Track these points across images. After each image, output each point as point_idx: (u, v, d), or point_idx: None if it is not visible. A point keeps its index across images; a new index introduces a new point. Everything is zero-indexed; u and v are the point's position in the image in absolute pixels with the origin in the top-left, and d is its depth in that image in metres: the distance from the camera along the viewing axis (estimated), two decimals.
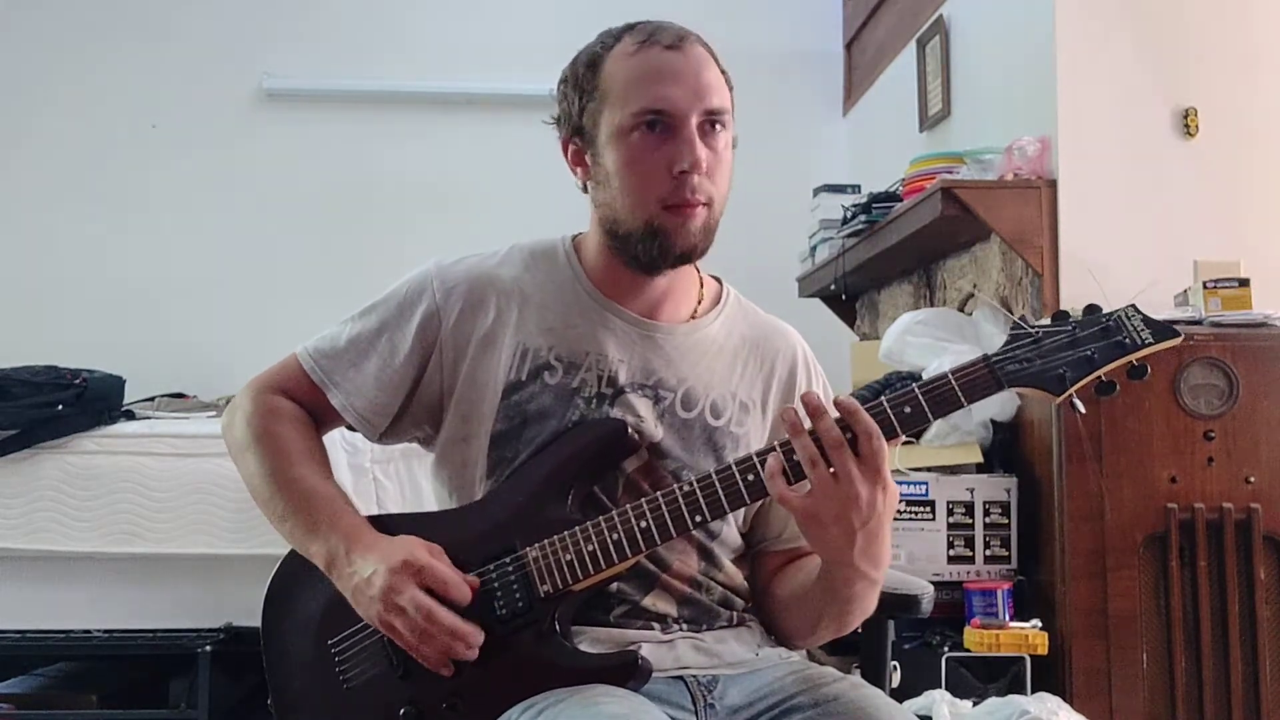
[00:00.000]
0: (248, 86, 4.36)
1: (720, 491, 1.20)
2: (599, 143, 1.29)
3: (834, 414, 1.14)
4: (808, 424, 1.14)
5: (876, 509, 1.13)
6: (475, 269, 1.37)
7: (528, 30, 4.33)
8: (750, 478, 1.19)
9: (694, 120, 1.25)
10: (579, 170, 1.34)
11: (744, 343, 1.40)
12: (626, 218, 1.28)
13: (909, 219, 2.84)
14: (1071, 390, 1.17)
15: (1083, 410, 1.20)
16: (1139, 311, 1.19)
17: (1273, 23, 2.68)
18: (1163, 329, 1.18)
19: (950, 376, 1.17)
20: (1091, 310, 1.19)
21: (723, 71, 1.30)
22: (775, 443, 1.18)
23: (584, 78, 1.30)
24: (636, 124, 1.25)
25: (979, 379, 1.17)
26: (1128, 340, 1.17)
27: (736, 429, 1.34)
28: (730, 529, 1.36)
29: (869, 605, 1.29)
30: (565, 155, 1.35)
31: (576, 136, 1.32)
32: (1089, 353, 1.17)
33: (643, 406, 1.31)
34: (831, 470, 1.12)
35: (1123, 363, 1.17)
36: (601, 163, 1.29)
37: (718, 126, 1.28)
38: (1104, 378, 1.18)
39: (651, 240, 1.28)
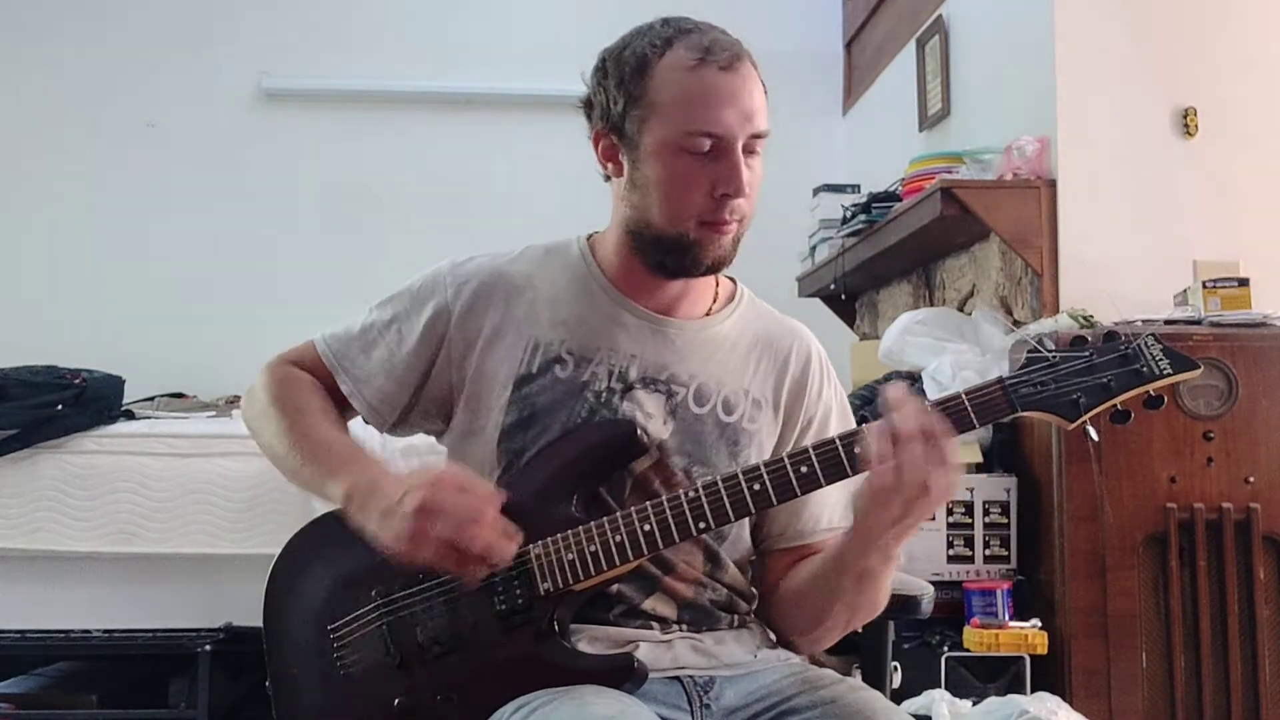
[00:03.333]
0: (247, 86, 4.36)
1: (725, 499, 1.20)
2: (641, 150, 1.28)
3: None
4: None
5: (941, 500, 1.15)
6: (488, 265, 1.37)
7: (529, 30, 4.33)
8: (756, 487, 1.19)
9: (740, 143, 1.25)
10: (609, 165, 1.33)
11: (757, 340, 1.39)
12: (661, 226, 1.28)
13: (908, 219, 2.84)
14: (1086, 418, 1.16)
15: (1095, 438, 1.19)
16: (1158, 340, 1.17)
17: (1272, 23, 2.68)
18: (1182, 360, 1.16)
19: (964, 397, 1.17)
20: (1110, 336, 1.18)
21: (761, 82, 1.30)
22: (861, 426, 1.18)
23: (630, 80, 1.27)
24: (687, 143, 1.24)
25: (992, 401, 1.17)
26: (1145, 369, 1.16)
27: (749, 425, 1.34)
28: (739, 532, 1.36)
29: (878, 591, 1.29)
30: (595, 146, 1.34)
31: (614, 134, 1.31)
32: (1105, 380, 1.16)
33: (653, 402, 1.31)
34: (916, 455, 1.13)
35: (1139, 392, 1.15)
36: (641, 169, 1.28)
37: (758, 145, 1.28)
38: (1119, 406, 1.16)
39: (682, 252, 1.28)
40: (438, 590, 1.24)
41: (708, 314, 1.39)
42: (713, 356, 1.35)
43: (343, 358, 1.37)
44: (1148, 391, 1.16)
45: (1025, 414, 1.17)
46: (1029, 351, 1.18)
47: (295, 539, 1.34)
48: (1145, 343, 1.17)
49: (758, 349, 1.39)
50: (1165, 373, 1.15)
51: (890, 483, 1.14)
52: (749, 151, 1.26)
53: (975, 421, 1.17)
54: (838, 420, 1.41)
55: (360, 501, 1.23)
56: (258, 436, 1.38)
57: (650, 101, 1.26)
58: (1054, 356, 1.17)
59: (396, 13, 4.41)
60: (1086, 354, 1.17)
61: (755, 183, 1.28)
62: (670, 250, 1.29)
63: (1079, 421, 1.16)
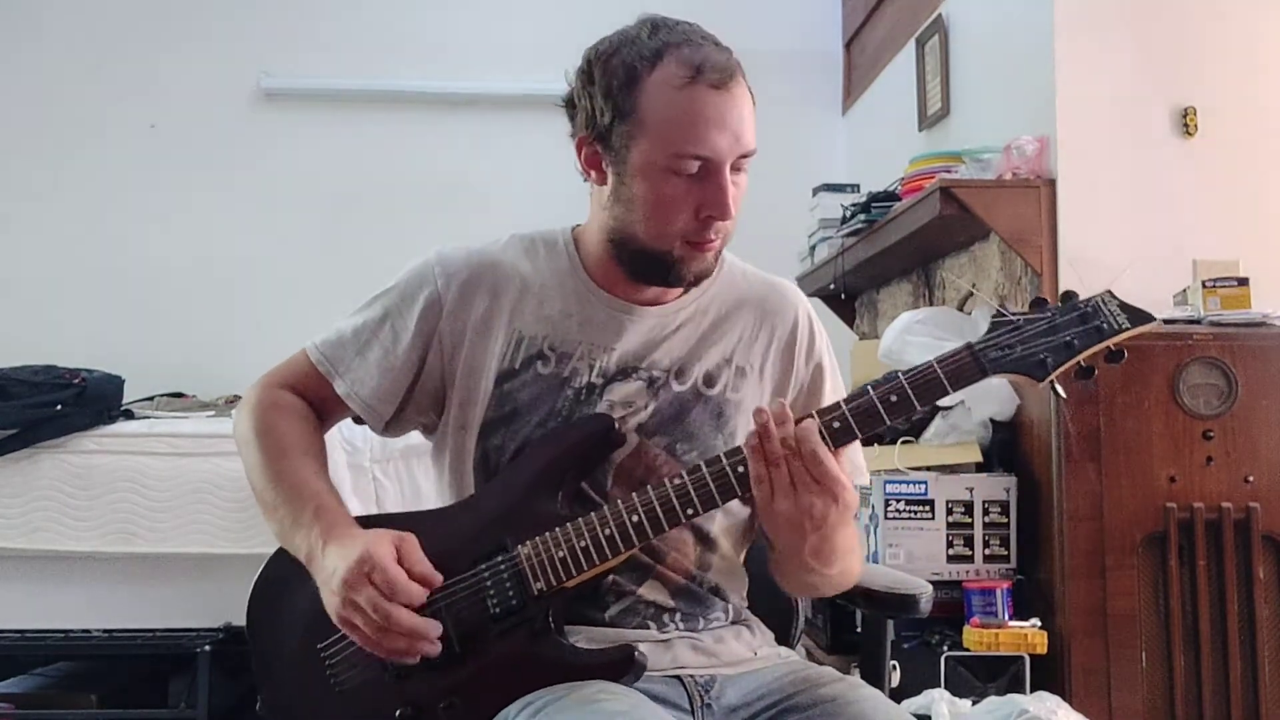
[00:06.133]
0: (247, 86, 4.36)
1: (711, 484, 1.20)
2: (627, 165, 1.26)
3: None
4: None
5: (828, 519, 1.16)
6: (475, 256, 1.37)
7: (529, 29, 4.33)
8: (740, 470, 1.19)
9: (729, 164, 1.24)
10: (592, 173, 1.32)
11: (740, 306, 1.39)
12: (645, 242, 1.28)
13: (908, 218, 2.84)
14: (1053, 375, 1.18)
15: (1063, 395, 1.21)
16: (1115, 297, 1.19)
17: (1272, 22, 2.68)
18: (1138, 314, 1.19)
19: (935, 364, 1.18)
20: (1068, 296, 1.20)
21: (750, 94, 1.28)
22: (753, 431, 1.18)
23: (619, 93, 1.24)
24: (675, 165, 1.23)
25: (963, 366, 1.18)
26: (1105, 325, 1.17)
27: (733, 395, 1.35)
28: (727, 516, 1.35)
29: (838, 584, 1.32)
30: (577, 151, 1.33)
31: (599, 143, 1.29)
32: (1068, 338, 1.17)
33: (634, 389, 1.31)
34: (789, 477, 1.15)
35: (1100, 348, 1.18)
36: (626, 184, 1.27)
37: (746, 163, 1.27)
38: (1083, 363, 1.18)
39: (666, 269, 1.29)
40: (428, 600, 1.21)
41: (685, 291, 1.37)
42: (693, 334, 1.36)
43: (337, 362, 1.37)
44: (1108, 346, 1.18)
45: (995, 375, 1.18)
46: (993, 316, 1.20)
47: (274, 559, 1.33)
48: (1102, 299, 1.19)
49: (741, 315, 1.39)
50: (1123, 327, 1.17)
51: (766, 505, 1.16)
52: (735, 170, 1.26)
53: (949, 387, 1.18)
54: (830, 381, 1.42)
55: (314, 565, 1.24)
56: (242, 460, 1.37)
57: (639, 119, 1.24)
58: (1018, 319, 1.19)
59: (396, 13, 4.41)
60: (1048, 315, 1.19)
61: (739, 198, 1.28)
62: (653, 264, 1.29)
63: (1046, 380, 1.18)
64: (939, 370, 1.18)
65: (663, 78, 1.23)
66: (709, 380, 1.34)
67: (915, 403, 1.18)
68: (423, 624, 1.17)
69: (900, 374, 1.18)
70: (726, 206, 1.24)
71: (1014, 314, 1.19)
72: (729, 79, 1.24)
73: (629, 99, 1.24)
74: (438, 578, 1.20)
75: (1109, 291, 1.20)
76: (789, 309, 1.41)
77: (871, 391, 1.18)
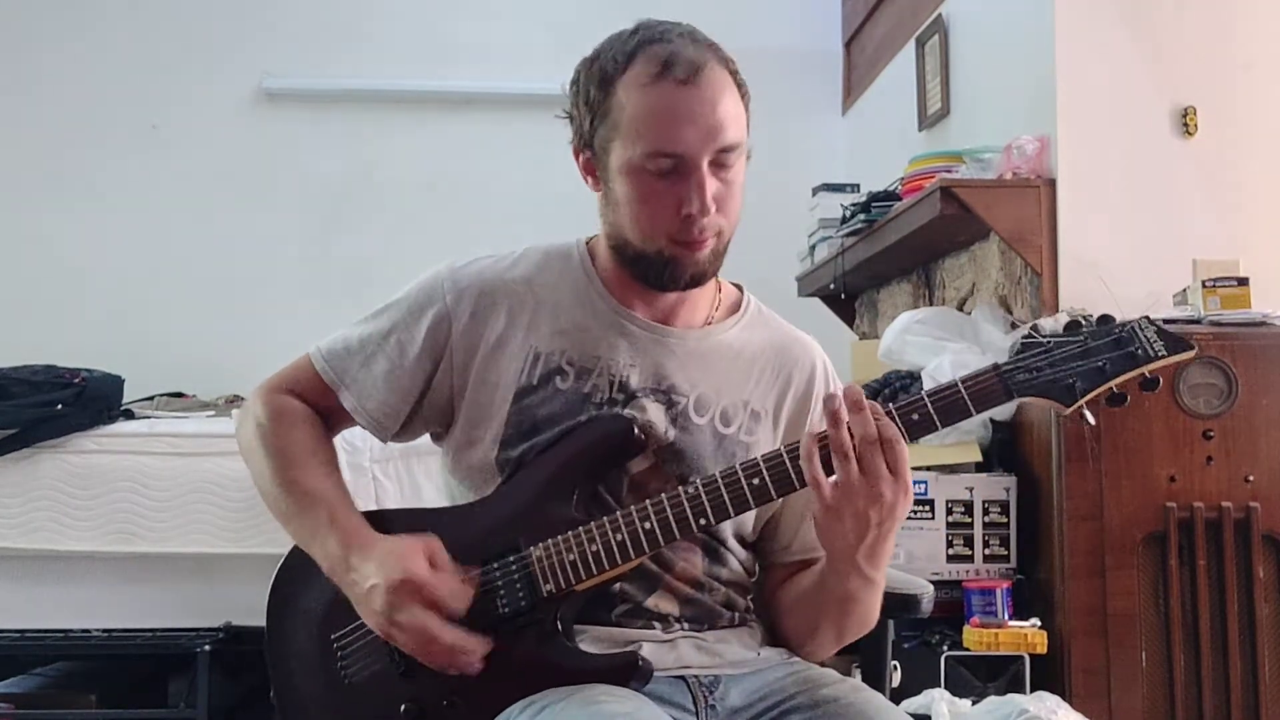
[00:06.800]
0: (248, 86, 4.36)
1: (725, 495, 1.20)
2: (609, 169, 1.27)
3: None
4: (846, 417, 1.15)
5: (896, 511, 1.15)
6: (487, 272, 1.35)
7: (528, 29, 4.34)
8: (755, 482, 1.19)
9: (706, 160, 1.22)
10: (589, 179, 1.32)
11: (761, 351, 1.38)
12: (636, 244, 1.27)
13: (908, 218, 2.84)
14: (1082, 401, 1.16)
15: (1093, 422, 1.18)
16: (1153, 323, 1.17)
17: (1272, 22, 2.68)
18: (1176, 341, 1.16)
19: (960, 385, 1.17)
20: (1105, 320, 1.18)
21: (739, 85, 1.27)
22: (812, 434, 1.17)
23: (595, 98, 1.25)
24: (649, 164, 1.22)
25: (988, 388, 1.17)
26: (1140, 352, 1.16)
27: (746, 437, 1.33)
28: (737, 527, 1.34)
29: (867, 611, 1.29)
30: (576, 160, 1.33)
31: (587, 150, 1.30)
32: (1101, 364, 1.16)
33: (655, 411, 1.30)
34: (860, 466, 1.13)
35: (1135, 375, 1.15)
36: (612, 187, 1.27)
37: (730, 157, 1.25)
38: (1115, 389, 1.16)
39: (660, 269, 1.28)
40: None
41: (708, 322, 1.37)
42: (713, 366, 1.34)
43: (343, 374, 1.35)
44: (1143, 373, 1.16)
45: (1022, 399, 1.17)
46: (1024, 337, 1.18)
47: (295, 550, 1.33)
48: (1140, 325, 1.17)
49: (761, 360, 1.37)
50: (1160, 354, 1.16)
51: (834, 496, 1.15)
52: (720, 165, 1.24)
53: (973, 409, 1.16)
54: None
55: (338, 576, 1.25)
56: (248, 467, 1.37)
57: (613, 121, 1.24)
58: (1048, 342, 1.17)
59: (397, 13, 4.41)
60: (1081, 338, 1.17)
61: (732, 194, 1.26)
62: (649, 266, 1.28)
63: (1075, 406, 1.16)
64: (964, 391, 1.16)
65: (631, 77, 1.23)
66: (725, 419, 1.33)
67: (938, 423, 1.17)
68: (467, 641, 1.18)
69: (924, 394, 1.17)
70: (705, 203, 1.22)
71: (1045, 336, 1.17)
72: (696, 73, 1.21)
73: (604, 102, 1.25)
74: (469, 590, 1.20)
75: (1146, 317, 1.18)
76: (808, 360, 1.40)
77: (893, 410, 1.17)
